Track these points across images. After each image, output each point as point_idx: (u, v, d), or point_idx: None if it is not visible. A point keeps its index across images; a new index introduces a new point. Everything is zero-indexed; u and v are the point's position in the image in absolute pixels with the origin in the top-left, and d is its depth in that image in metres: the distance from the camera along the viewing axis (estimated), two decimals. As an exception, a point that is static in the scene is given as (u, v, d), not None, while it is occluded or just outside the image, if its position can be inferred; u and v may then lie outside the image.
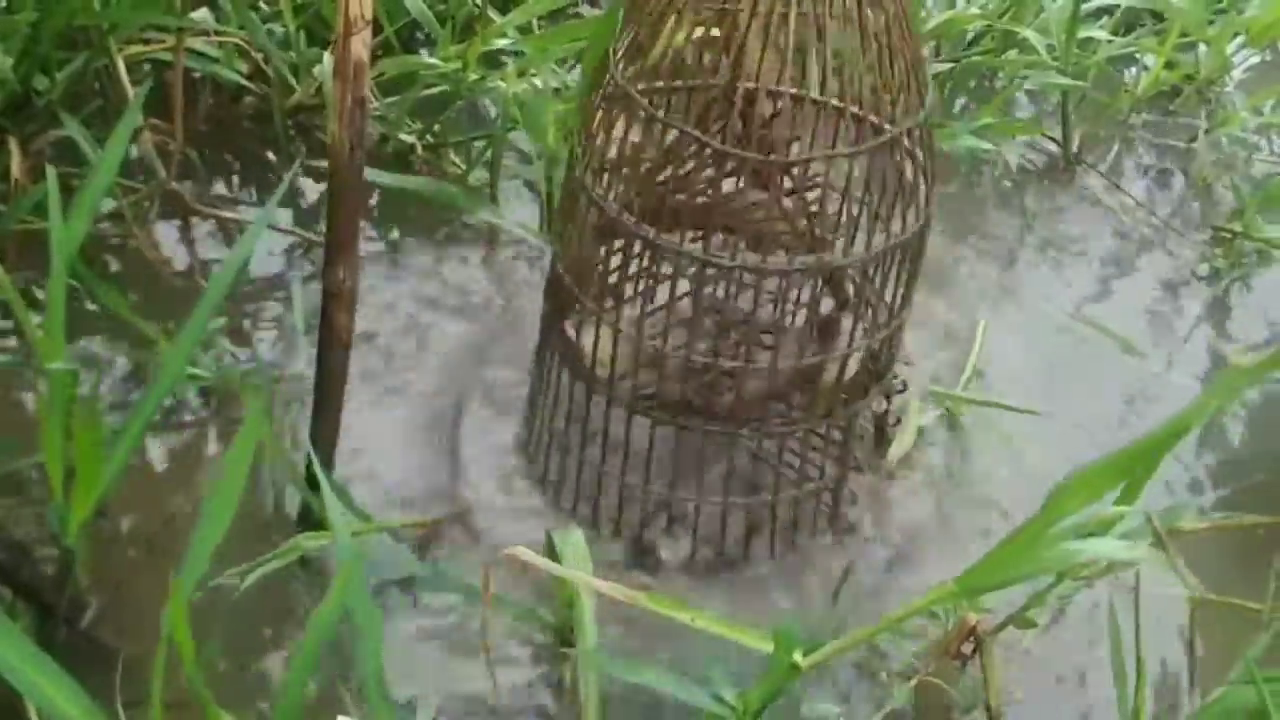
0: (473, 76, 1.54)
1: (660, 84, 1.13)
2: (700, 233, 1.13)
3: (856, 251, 1.11)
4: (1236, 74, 2.10)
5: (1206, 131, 1.95)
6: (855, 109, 1.07)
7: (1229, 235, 1.75)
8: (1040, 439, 1.39)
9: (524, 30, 1.64)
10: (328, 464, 1.13)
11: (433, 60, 1.56)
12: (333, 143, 1.05)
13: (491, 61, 1.60)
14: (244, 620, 1.13)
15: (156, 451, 1.28)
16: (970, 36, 1.92)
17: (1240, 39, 2.03)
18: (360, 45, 1.03)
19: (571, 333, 1.22)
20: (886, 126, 1.08)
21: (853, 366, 1.18)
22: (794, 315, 1.34)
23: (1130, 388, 1.51)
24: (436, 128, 1.65)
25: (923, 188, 1.12)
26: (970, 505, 1.34)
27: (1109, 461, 0.83)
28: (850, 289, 1.24)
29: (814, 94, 1.08)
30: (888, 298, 1.17)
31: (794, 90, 1.14)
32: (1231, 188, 1.84)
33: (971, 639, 1.10)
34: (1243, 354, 1.59)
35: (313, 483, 1.09)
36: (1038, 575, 0.86)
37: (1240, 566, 1.23)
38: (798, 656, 0.91)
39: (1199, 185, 1.87)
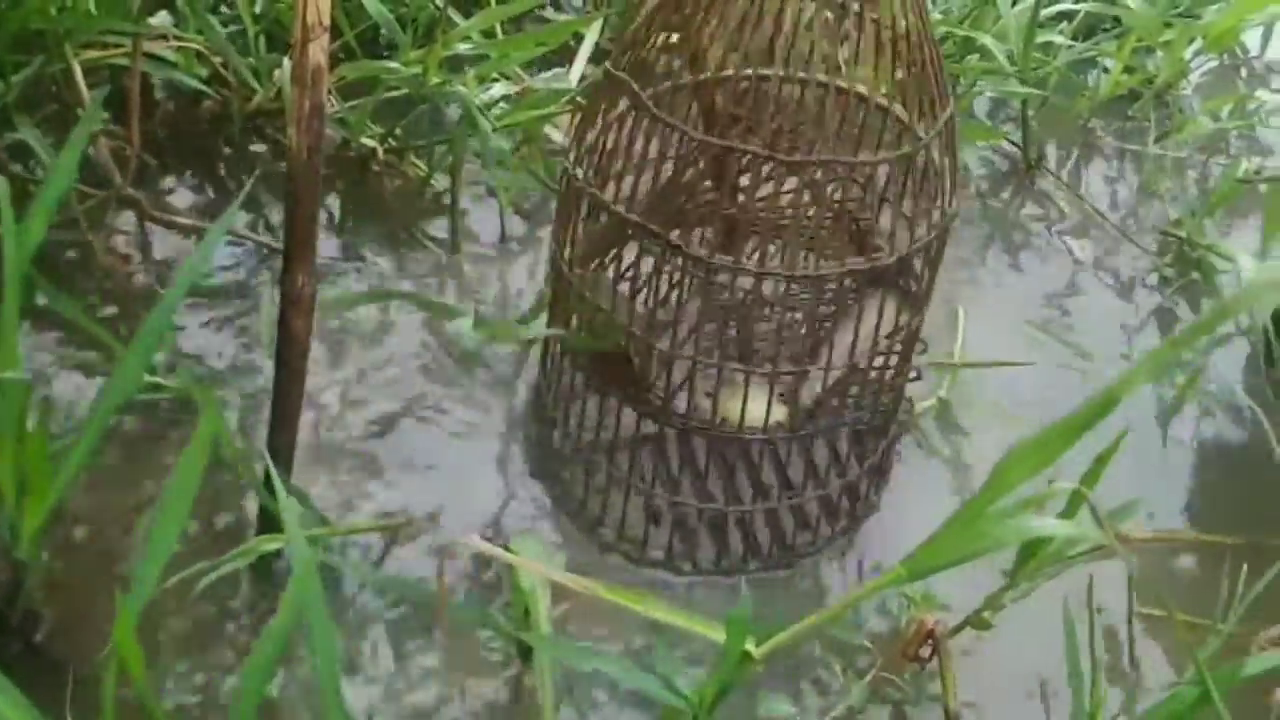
0: (435, 80, 1.53)
1: (670, 82, 1.13)
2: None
3: (920, 237, 1.14)
4: (1194, 78, 2.12)
5: (1161, 137, 1.96)
6: (881, 101, 1.11)
7: (1175, 240, 1.76)
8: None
9: (487, 34, 1.64)
10: (286, 469, 1.13)
11: (394, 64, 1.55)
12: (290, 149, 1.05)
13: (454, 65, 1.60)
14: (201, 626, 1.12)
15: (114, 460, 1.27)
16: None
17: (1197, 44, 2.05)
18: (318, 51, 1.03)
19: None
20: (918, 127, 1.11)
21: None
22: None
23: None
24: (398, 132, 1.65)
25: (949, 178, 1.15)
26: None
27: (1042, 436, 0.84)
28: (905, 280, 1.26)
29: (841, 84, 1.11)
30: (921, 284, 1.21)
31: (821, 79, 1.12)
32: (1180, 193, 1.85)
33: (929, 641, 1.10)
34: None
35: (273, 489, 1.08)
36: (983, 553, 0.86)
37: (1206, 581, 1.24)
38: (750, 646, 0.91)
39: (1152, 191, 1.88)
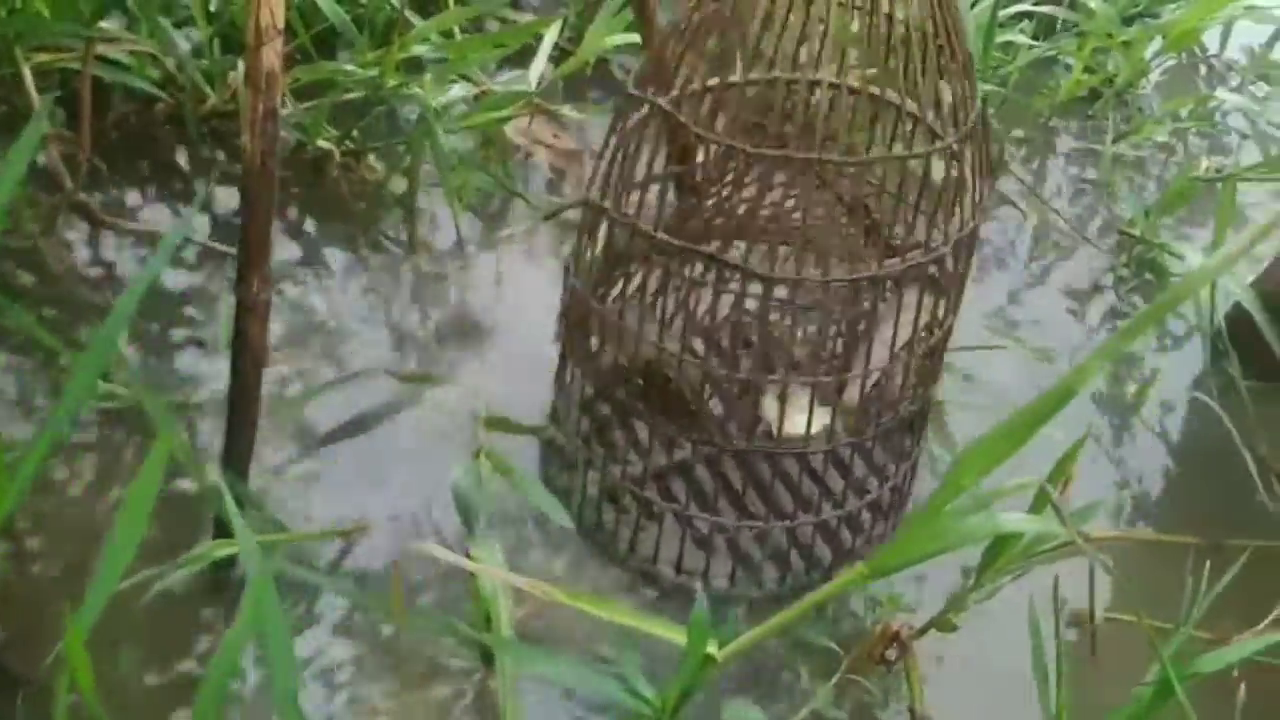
0: (391, 82, 1.52)
1: (698, 86, 1.10)
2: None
3: (951, 234, 1.11)
4: (1154, 77, 2.13)
5: (1120, 137, 1.97)
6: (912, 106, 1.09)
7: (1131, 239, 1.76)
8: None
9: (447, 35, 1.63)
10: (242, 477, 1.11)
11: (349, 66, 1.54)
12: (245, 154, 1.03)
13: (413, 66, 1.58)
14: (160, 633, 1.10)
15: (69, 469, 1.24)
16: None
17: (1157, 43, 2.06)
18: (272, 55, 1.01)
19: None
20: (940, 127, 1.09)
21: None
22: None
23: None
24: (355, 134, 1.63)
25: (979, 176, 1.14)
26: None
27: (999, 431, 0.83)
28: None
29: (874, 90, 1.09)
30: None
31: (854, 85, 1.11)
32: (1139, 193, 1.86)
33: (894, 643, 1.10)
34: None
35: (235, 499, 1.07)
36: (947, 550, 0.86)
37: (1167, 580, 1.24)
38: (713, 648, 0.90)
39: (1110, 190, 1.89)
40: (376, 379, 1.39)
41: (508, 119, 1.57)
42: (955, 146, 1.09)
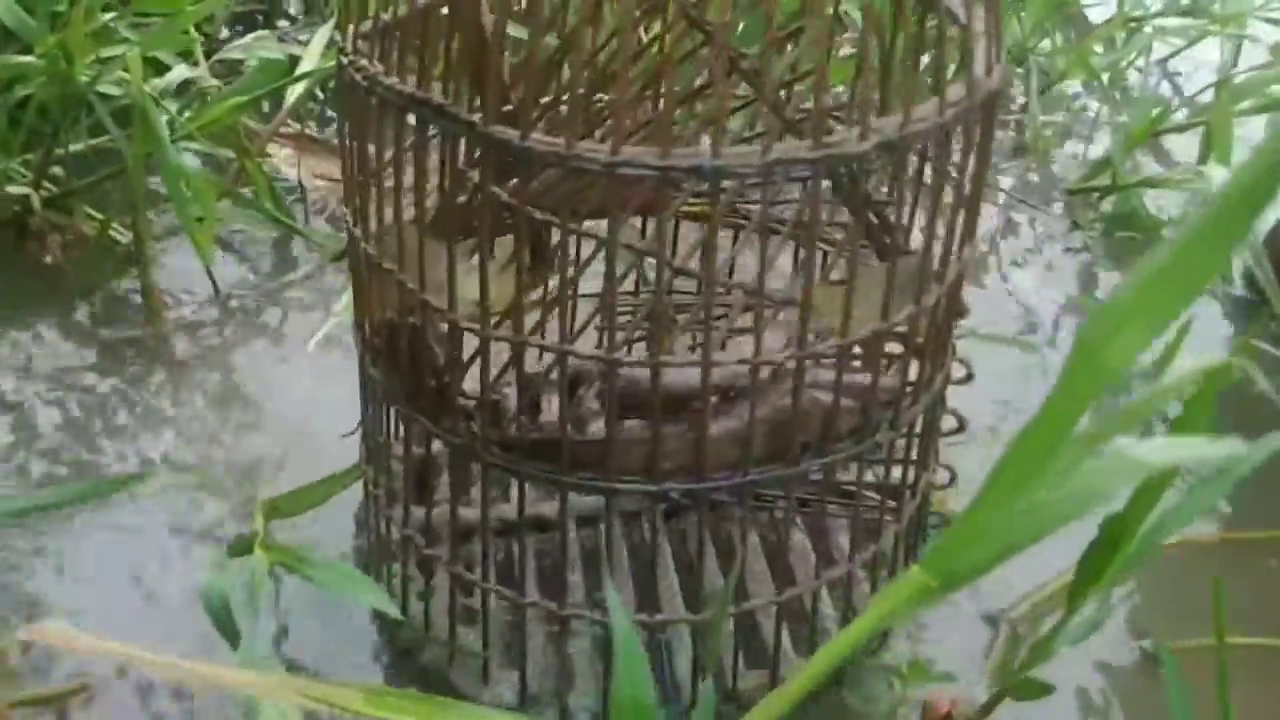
0: (87, 74, 1.07)
1: None
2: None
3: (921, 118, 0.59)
4: (1058, 39, 1.83)
5: (1025, 106, 1.66)
6: None
7: (1096, 192, 1.44)
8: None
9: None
10: None
11: (26, 59, 1.09)
12: None
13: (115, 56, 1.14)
14: None
15: None
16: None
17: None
18: None
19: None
20: None
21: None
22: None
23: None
24: (57, 170, 1.18)
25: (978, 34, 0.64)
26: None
27: (1162, 264, 0.40)
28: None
29: None
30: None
31: None
32: (1073, 153, 1.55)
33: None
34: None
35: None
36: (1085, 512, 0.42)
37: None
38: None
39: (1037, 155, 1.57)
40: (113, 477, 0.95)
41: (248, 104, 1.12)
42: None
